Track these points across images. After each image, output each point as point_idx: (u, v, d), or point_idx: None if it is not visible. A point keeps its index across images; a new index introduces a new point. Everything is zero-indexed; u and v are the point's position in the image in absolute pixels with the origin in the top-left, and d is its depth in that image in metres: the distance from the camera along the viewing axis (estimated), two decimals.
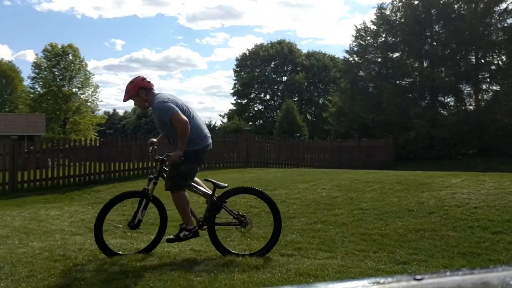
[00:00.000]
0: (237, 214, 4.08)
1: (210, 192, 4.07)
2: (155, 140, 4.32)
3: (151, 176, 4.16)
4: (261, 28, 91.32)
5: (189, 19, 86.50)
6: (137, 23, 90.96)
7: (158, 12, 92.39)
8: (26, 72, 65.25)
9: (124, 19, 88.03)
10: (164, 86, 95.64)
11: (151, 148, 4.27)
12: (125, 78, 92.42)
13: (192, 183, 4.08)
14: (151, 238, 4.39)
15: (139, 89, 4.02)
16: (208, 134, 4.12)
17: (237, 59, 51.61)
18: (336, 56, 51.37)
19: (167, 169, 4.09)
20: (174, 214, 6.26)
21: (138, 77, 4.10)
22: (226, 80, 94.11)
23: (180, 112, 3.82)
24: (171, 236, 4.03)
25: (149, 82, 4.07)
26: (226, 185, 4.04)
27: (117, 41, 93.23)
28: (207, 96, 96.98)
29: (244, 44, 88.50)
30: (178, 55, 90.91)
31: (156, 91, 4.11)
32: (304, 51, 52.44)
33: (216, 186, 4.00)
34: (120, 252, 4.08)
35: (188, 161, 3.90)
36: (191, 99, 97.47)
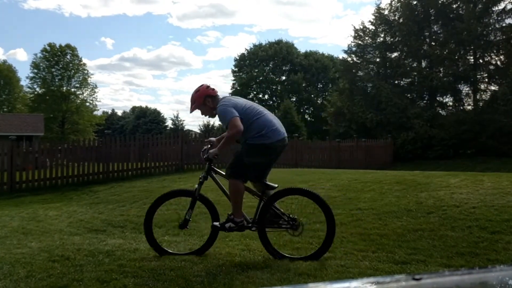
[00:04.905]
0: (288, 216, 3.93)
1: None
2: (214, 139, 4.25)
3: (201, 176, 4.08)
4: (252, 27, 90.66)
5: (180, 18, 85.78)
6: (126, 21, 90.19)
7: (147, 10, 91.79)
8: (20, 72, 64.51)
9: (113, 18, 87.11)
10: (159, 86, 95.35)
11: (205, 147, 4.18)
12: (119, 78, 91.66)
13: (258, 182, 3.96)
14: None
15: (205, 98, 4.01)
16: (281, 130, 3.94)
17: (235, 59, 51.72)
18: (331, 54, 51.51)
19: (216, 168, 4.11)
20: (172, 214, 6.27)
21: (202, 85, 4.08)
22: (221, 80, 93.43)
23: (238, 117, 3.74)
24: (217, 223, 3.97)
25: (213, 89, 4.06)
26: (276, 185, 3.94)
27: (107, 40, 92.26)
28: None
29: (236, 43, 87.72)
30: (171, 54, 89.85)
31: (220, 96, 4.09)
32: (298, 50, 52.42)
33: (266, 187, 3.91)
34: (170, 251, 4.07)
35: (255, 155, 3.85)
36: (187, 99, 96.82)
